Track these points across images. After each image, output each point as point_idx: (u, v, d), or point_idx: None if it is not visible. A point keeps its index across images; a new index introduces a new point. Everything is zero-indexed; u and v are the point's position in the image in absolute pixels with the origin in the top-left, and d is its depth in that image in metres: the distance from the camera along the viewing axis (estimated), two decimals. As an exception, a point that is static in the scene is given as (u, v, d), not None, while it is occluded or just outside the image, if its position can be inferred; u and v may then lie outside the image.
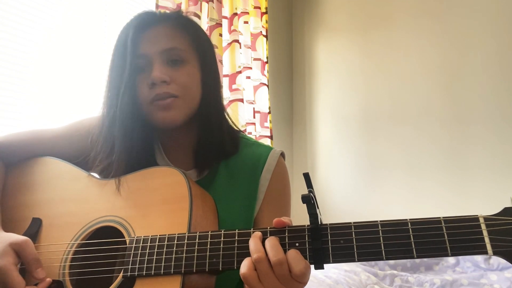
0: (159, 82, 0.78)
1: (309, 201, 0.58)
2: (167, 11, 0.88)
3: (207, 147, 0.85)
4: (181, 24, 0.84)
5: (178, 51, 0.81)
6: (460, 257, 2.07)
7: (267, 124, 2.55)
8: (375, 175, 2.66)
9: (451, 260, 2.12)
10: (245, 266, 0.59)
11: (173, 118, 0.80)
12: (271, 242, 0.60)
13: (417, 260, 2.13)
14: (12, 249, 0.68)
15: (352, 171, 2.76)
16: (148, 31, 0.81)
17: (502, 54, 2.26)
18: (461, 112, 2.37)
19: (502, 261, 1.97)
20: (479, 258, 2.04)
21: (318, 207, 0.61)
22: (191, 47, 0.84)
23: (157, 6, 2.00)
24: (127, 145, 0.79)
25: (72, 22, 1.81)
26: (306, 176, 0.62)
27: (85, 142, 0.86)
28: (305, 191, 0.60)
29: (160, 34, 0.82)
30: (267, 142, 2.51)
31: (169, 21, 0.84)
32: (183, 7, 2.09)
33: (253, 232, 0.63)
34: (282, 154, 0.88)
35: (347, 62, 2.84)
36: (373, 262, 2.06)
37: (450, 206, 2.35)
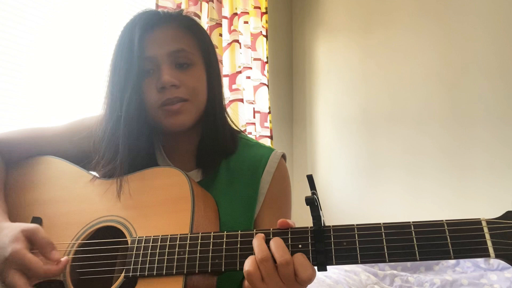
0: (169, 86, 0.77)
1: (313, 203, 0.58)
2: (170, 11, 0.86)
3: (210, 148, 0.85)
4: (186, 25, 0.83)
5: (185, 53, 0.80)
6: (460, 258, 2.07)
7: (267, 124, 2.54)
8: (375, 176, 2.66)
9: (451, 260, 2.12)
10: (249, 264, 0.58)
11: (183, 123, 0.79)
12: (277, 243, 0.59)
13: (417, 260, 2.13)
14: (23, 235, 0.68)
15: (352, 172, 2.76)
16: (153, 32, 0.80)
17: (503, 55, 2.26)
18: (462, 113, 2.37)
19: (502, 261, 1.97)
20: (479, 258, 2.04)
21: (321, 209, 0.61)
22: (196, 48, 0.83)
23: (157, 6, 2.00)
24: (132, 149, 0.78)
25: (72, 22, 1.81)
26: (310, 178, 0.62)
27: (87, 144, 0.85)
28: (305, 191, 0.60)
29: (166, 35, 0.80)
30: (267, 142, 2.51)
31: (174, 22, 0.83)
32: (183, 7, 2.08)
33: (256, 233, 0.63)
34: (283, 156, 0.87)
35: (347, 62, 2.84)
36: (373, 262, 2.06)
37: (451, 208, 2.35)
